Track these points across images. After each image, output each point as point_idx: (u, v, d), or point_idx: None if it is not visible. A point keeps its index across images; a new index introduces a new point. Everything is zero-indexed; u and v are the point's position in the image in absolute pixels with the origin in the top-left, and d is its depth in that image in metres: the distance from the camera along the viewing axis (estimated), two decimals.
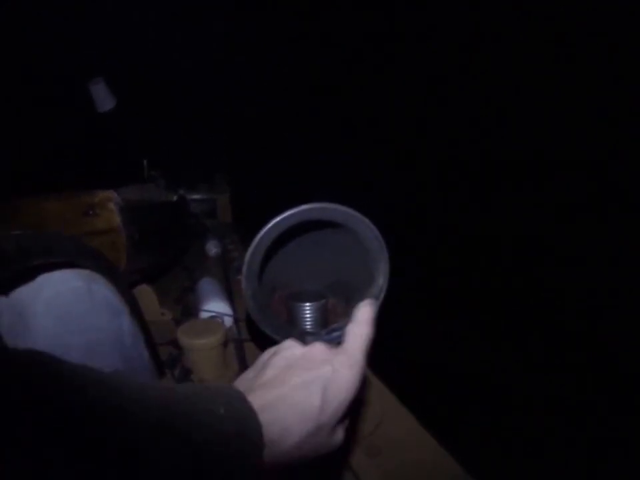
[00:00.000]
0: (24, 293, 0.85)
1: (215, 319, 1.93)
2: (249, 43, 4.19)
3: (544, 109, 3.99)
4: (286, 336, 1.22)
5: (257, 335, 1.72)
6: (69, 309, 1.03)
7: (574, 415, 2.49)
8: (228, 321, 2.00)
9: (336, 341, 1.24)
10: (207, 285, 2.31)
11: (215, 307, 2.03)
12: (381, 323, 1.30)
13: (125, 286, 1.39)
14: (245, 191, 3.98)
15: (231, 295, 2.34)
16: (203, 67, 4.26)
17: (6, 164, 3.31)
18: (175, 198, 3.12)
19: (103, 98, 3.50)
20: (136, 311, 1.46)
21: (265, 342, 1.35)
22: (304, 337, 1.23)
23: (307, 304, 1.29)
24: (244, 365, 1.74)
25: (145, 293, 2.15)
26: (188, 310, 2.24)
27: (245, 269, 1.11)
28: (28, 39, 3.68)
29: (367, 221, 1.15)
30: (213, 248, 3.17)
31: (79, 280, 1.09)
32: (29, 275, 0.84)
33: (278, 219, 1.09)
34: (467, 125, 4.31)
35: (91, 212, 1.72)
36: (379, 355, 1.72)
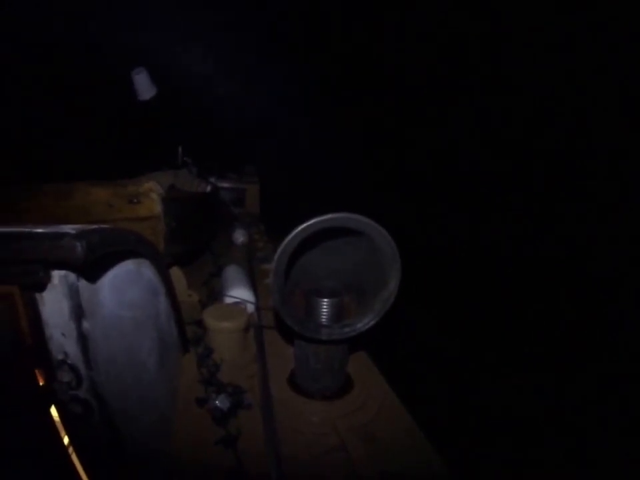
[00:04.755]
0: (97, 273, 1.03)
1: (239, 304, 2.07)
2: (282, 46, 4.33)
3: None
4: (303, 327, 1.37)
5: (279, 323, 1.86)
6: (123, 287, 1.20)
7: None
8: (250, 308, 2.13)
9: (347, 336, 1.39)
10: (232, 272, 2.46)
11: (239, 293, 2.17)
12: (391, 324, 1.45)
13: (164, 269, 1.55)
14: (274, 184, 4.10)
15: (254, 283, 2.47)
16: (240, 64, 4.39)
17: (55, 149, 3.49)
18: (208, 189, 3.25)
19: (145, 87, 3.65)
20: (171, 293, 1.62)
21: (283, 329, 1.51)
22: (318, 330, 1.38)
23: (325, 299, 1.45)
24: (262, 350, 1.89)
25: (176, 275, 2.30)
26: (213, 293, 2.39)
27: (274, 266, 1.27)
28: (76, 30, 3.85)
29: (382, 230, 1.29)
30: (239, 237, 3.32)
31: (132, 264, 1.27)
32: (102, 260, 1.02)
33: (305, 225, 1.24)
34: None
35: (135, 200, 1.88)
36: (385, 353, 1.86)
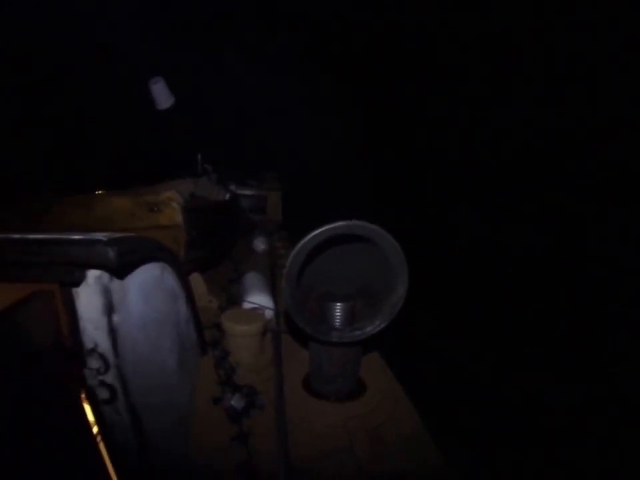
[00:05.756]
0: (127, 276, 1.18)
1: (257, 309, 2.19)
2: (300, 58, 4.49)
3: None
4: (315, 329, 1.49)
5: (291, 326, 1.98)
6: (148, 290, 1.35)
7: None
8: (269, 313, 2.25)
9: (357, 339, 1.51)
10: (252, 278, 2.57)
11: (258, 299, 2.28)
12: (400, 327, 1.55)
13: (184, 275, 1.68)
14: (296, 190, 4.20)
15: (274, 290, 2.59)
16: (261, 71, 4.53)
17: (75, 158, 3.67)
18: (227, 197, 3.38)
19: (163, 96, 3.77)
20: (190, 298, 1.75)
21: (298, 333, 1.63)
22: (330, 332, 1.50)
23: (338, 304, 1.58)
24: (279, 354, 2.01)
25: (196, 281, 2.43)
26: (232, 299, 2.51)
27: (286, 271, 1.39)
28: (94, 40, 4.04)
29: (390, 237, 1.41)
30: (260, 244, 3.43)
31: (157, 269, 1.41)
32: (131, 265, 1.18)
33: (317, 231, 1.36)
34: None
35: (155, 209, 2.01)
36: (398, 357, 1.96)
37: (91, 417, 1.11)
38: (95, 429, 1.13)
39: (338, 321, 1.59)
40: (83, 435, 1.08)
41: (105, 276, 1.07)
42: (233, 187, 3.90)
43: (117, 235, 0.99)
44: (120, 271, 1.08)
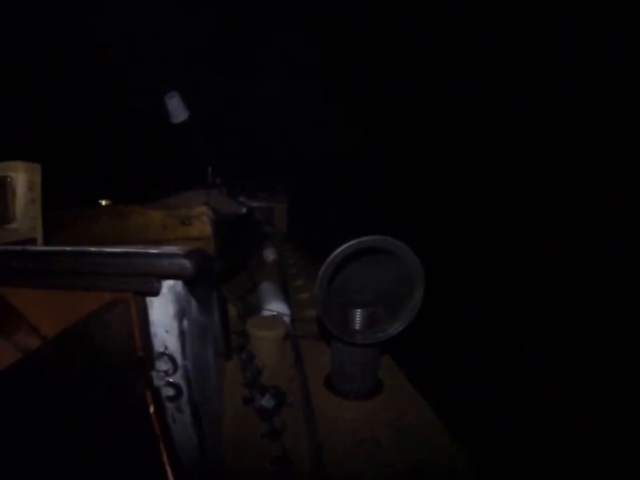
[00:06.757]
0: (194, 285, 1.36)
1: (276, 316, 2.38)
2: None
3: None
4: (342, 332, 1.67)
5: (319, 330, 2.17)
6: (202, 297, 1.51)
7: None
8: (285, 320, 2.43)
9: (379, 340, 1.69)
10: (267, 287, 2.77)
11: (276, 307, 2.48)
12: (417, 331, 1.73)
13: (217, 283, 1.87)
14: (302, 203, 4.36)
15: (287, 298, 2.78)
16: (271, 86, 4.71)
17: (90, 170, 3.85)
18: (244, 210, 3.56)
19: (177, 110, 3.93)
20: (222, 306, 1.93)
21: (324, 337, 1.81)
22: (354, 335, 1.68)
23: (359, 310, 1.77)
24: (299, 356, 2.19)
25: None
26: (249, 307, 2.69)
27: (319, 281, 1.58)
28: (111, 56, 4.23)
29: (410, 250, 1.59)
30: (269, 255, 3.63)
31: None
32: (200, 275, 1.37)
33: (345, 245, 1.55)
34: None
35: (187, 222, 2.21)
36: (411, 360, 2.14)
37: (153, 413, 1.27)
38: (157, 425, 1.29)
39: (359, 325, 1.78)
40: (146, 432, 1.25)
41: (178, 285, 1.23)
42: (242, 199, 4.06)
43: (188, 248, 1.17)
44: (194, 280, 1.25)
